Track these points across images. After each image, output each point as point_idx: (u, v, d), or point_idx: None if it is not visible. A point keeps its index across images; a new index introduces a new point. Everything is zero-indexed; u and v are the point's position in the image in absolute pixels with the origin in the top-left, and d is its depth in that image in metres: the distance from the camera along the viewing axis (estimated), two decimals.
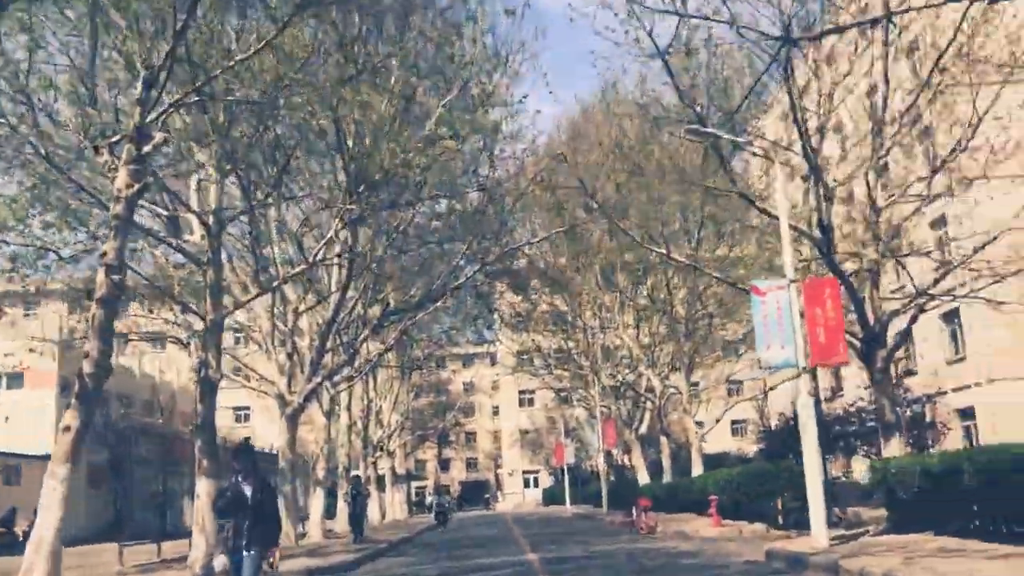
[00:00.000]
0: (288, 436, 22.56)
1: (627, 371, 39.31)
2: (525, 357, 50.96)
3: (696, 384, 31.13)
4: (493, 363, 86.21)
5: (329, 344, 23.86)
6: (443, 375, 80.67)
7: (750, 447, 67.91)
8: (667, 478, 35.58)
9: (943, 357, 31.73)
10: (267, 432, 50.21)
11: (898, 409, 28.72)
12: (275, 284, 19.00)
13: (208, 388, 17.38)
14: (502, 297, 43.89)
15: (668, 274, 30.35)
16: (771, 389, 35.97)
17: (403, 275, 25.94)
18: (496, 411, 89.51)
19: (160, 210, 18.77)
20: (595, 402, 39.74)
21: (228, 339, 33.28)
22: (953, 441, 29.83)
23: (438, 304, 27.64)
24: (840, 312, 13.05)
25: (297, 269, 18.55)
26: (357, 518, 22.02)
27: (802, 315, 13.18)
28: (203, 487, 15.97)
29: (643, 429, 40.98)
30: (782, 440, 36.70)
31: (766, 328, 12.98)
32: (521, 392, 77.94)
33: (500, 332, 42.57)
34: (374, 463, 42.60)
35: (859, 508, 22.35)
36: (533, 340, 43.75)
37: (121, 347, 43.88)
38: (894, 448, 14.96)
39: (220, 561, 8.92)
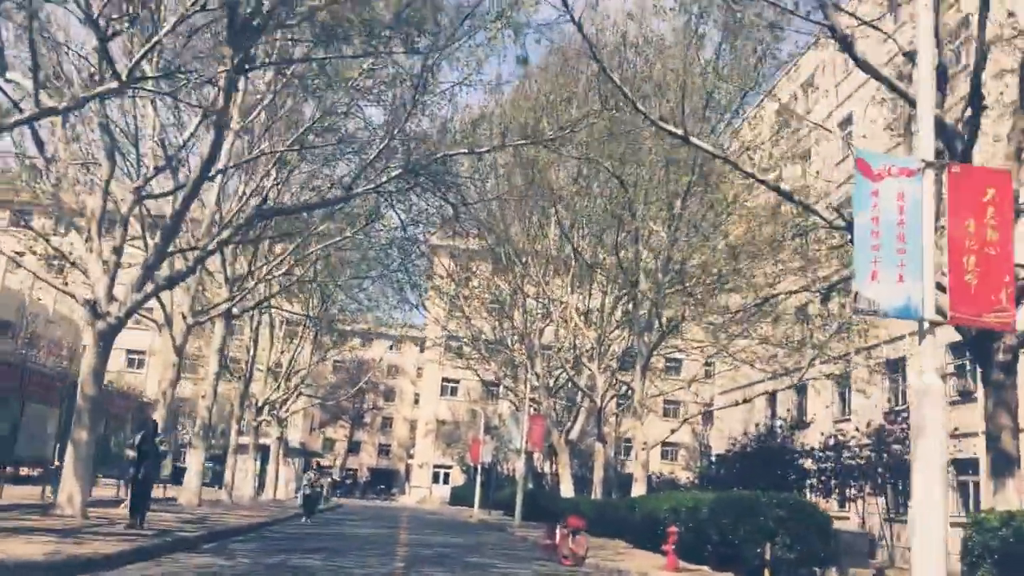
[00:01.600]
0: (95, 362, 15.95)
1: (567, 364, 33.44)
2: (454, 339, 44.98)
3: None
4: (423, 350, 79.88)
5: (181, 246, 17.35)
6: (367, 353, 74.10)
7: (682, 473, 62.83)
8: (596, 494, 29.73)
9: (948, 392, 26.28)
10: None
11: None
12: (62, 107, 12.31)
13: None
14: (437, 256, 37.91)
15: (643, 235, 24.16)
16: (738, 404, 30.34)
17: (305, 162, 19.63)
18: (417, 400, 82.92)
19: None
20: (524, 394, 33.62)
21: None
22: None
23: (348, 232, 21.36)
24: (1010, 232, 7.17)
25: (101, 88, 11.96)
26: (141, 489, 14.54)
27: (938, 230, 7.31)
28: None
29: (574, 433, 35.14)
30: (736, 468, 31.16)
31: (876, 241, 7.01)
32: (445, 380, 71.63)
33: (428, 298, 36.50)
34: (255, 428, 35.84)
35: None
36: (464, 313, 37.78)
37: None
38: (1010, 496, 9.17)
39: None
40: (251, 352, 31.74)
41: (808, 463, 26.85)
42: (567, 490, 32.19)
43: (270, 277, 23.80)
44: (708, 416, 53.46)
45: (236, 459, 33.08)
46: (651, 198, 21.83)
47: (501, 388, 47.90)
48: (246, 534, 18.37)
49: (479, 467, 43.45)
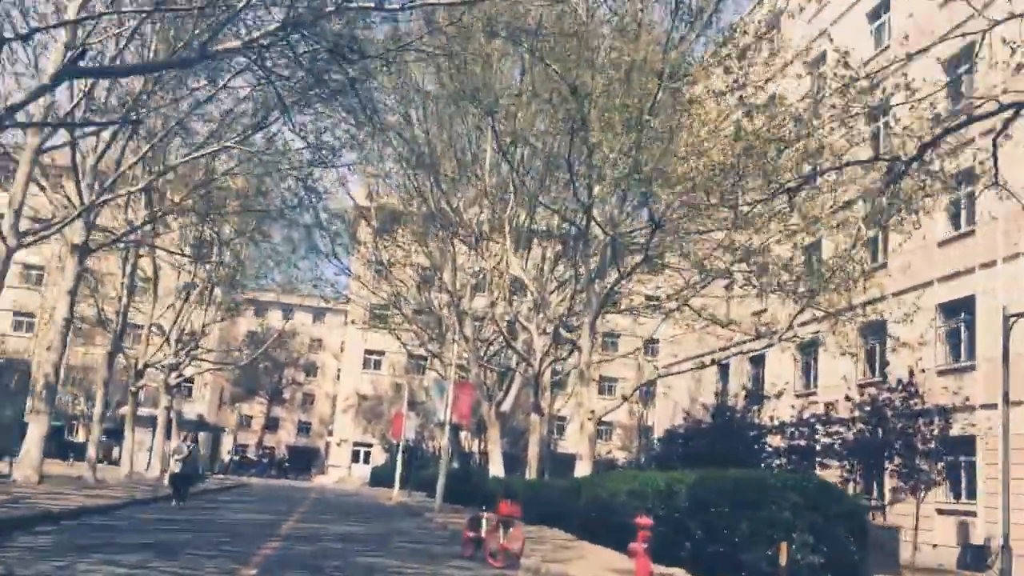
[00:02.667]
0: None
1: (503, 327, 29.24)
2: (380, 307, 40.44)
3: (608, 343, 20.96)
4: (347, 322, 74.82)
5: None
6: (287, 326, 68.20)
7: (619, 453, 59.33)
8: (532, 473, 25.68)
9: (935, 360, 22.88)
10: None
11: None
12: None
13: None
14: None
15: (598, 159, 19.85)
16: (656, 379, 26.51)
17: None
18: (340, 375, 77.72)
19: None
20: (451, 360, 29.17)
21: None
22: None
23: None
24: None
25: None
26: None
27: None
28: None
29: (507, 405, 30.92)
30: (687, 446, 27.29)
31: None
32: (368, 352, 66.83)
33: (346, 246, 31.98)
34: (134, 394, 30.58)
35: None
36: (388, 268, 33.42)
37: None
38: None
39: None
40: (123, 302, 26.52)
41: (777, 440, 23.14)
42: (497, 469, 28.04)
43: (126, 192, 18.79)
44: (649, 393, 49.86)
45: (121, 430, 27.89)
46: (609, 108, 17.55)
47: (428, 359, 43.56)
48: (68, 521, 13.63)
49: (401, 444, 39.00)
